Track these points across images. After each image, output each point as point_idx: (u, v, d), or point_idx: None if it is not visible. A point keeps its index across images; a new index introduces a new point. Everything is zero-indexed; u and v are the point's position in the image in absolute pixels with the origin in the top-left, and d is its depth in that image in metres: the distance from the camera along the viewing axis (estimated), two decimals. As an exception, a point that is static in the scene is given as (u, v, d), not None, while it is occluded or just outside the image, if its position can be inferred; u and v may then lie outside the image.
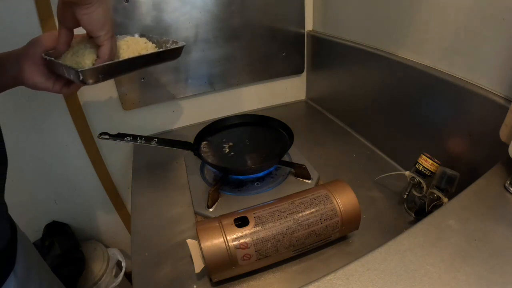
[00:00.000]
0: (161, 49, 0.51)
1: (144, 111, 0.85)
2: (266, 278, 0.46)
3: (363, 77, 0.75)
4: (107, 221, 1.00)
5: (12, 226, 0.47)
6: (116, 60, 0.44)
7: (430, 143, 0.59)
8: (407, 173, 0.54)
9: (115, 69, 0.45)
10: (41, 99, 0.73)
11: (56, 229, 0.89)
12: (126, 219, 1.00)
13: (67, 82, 0.48)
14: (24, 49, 0.45)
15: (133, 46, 0.49)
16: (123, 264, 0.97)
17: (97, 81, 0.42)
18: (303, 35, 0.93)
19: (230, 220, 0.44)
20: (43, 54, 0.44)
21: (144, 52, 0.49)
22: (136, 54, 0.48)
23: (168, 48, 0.51)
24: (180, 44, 0.52)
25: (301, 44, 0.94)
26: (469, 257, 0.31)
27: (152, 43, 0.53)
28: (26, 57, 0.44)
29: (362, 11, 0.71)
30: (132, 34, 0.55)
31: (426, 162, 0.52)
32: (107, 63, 0.42)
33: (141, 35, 0.55)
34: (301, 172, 0.63)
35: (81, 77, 0.40)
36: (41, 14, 0.64)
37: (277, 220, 0.44)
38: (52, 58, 0.43)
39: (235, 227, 0.43)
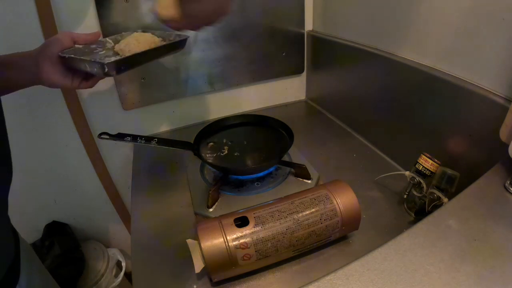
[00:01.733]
0: (170, 42, 0.54)
1: (144, 111, 0.85)
2: (266, 278, 0.46)
3: (363, 77, 0.75)
4: (107, 221, 1.00)
5: (16, 238, 0.47)
6: (134, 53, 0.48)
7: (430, 143, 0.59)
8: (407, 173, 0.54)
9: (133, 62, 0.49)
10: (41, 99, 0.73)
11: (56, 229, 0.89)
12: (126, 219, 1.00)
13: (85, 77, 0.50)
14: (41, 50, 0.46)
15: (142, 40, 0.52)
16: (123, 264, 0.97)
17: (118, 72, 0.46)
18: (303, 35, 0.93)
19: (230, 220, 0.44)
20: (60, 53, 0.46)
21: (154, 46, 0.52)
22: (147, 47, 0.51)
23: (176, 40, 0.54)
24: (183, 37, 0.55)
25: (301, 44, 0.94)
26: (469, 257, 0.31)
27: (160, 38, 0.56)
28: (44, 58, 0.46)
29: (362, 11, 0.71)
30: (135, 31, 0.57)
31: (426, 162, 0.52)
32: (127, 56, 0.46)
33: (144, 31, 0.58)
34: (301, 172, 0.63)
35: (106, 69, 0.43)
36: (41, 14, 0.64)
37: (277, 220, 0.44)
38: (72, 55, 0.45)
39: (235, 227, 0.43)
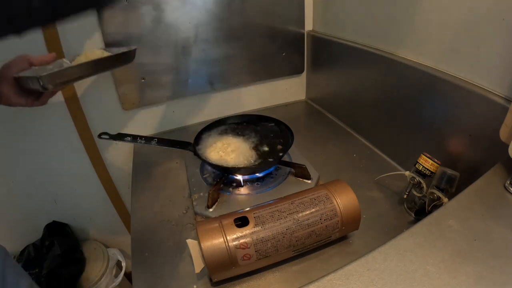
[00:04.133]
0: (110, 55, 0.56)
1: (144, 111, 0.85)
2: (266, 278, 0.46)
3: (363, 77, 0.75)
4: (107, 221, 1.00)
5: None
6: (67, 66, 0.50)
7: (430, 143, 0.59)
8: (407, 173, 0.54)
9: (70, 75, 0.50)
10: (41, 99, 0.73)
11: (56, 229, 0.89)
12: (126, 219, 1.00)
13: (37, 96, 0.53)
14: None
15: (90, 56, 0.55)
16: (123, 264, 0.97)
17: (56, 86, 0.47)
18: (303, 35, 0.93)
19: (230, 220, 0.44)
20: (14, 74, 0.48)
21: (92, 59, 0.54)
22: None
23: (117, 53, 0.57)
24: (128, 49, 0.58)
25: (301, 44, 0.94)
26: (469, 257, 0.31)
27: (109, 53, 0.57)
28: (2, 80, 0.49)
29: (362, 11, 0.71)
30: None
31: (426, 162, 0.52)
32: (61, 69, 0.47)
33: (105, 49, 0.61)
34: (301, 172, 0.63)
35: (41, 83, 0.44)
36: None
37: (277, 220, 0.44)
38: (20, 75, 0.48)
39: (235, 227, 0.43)
